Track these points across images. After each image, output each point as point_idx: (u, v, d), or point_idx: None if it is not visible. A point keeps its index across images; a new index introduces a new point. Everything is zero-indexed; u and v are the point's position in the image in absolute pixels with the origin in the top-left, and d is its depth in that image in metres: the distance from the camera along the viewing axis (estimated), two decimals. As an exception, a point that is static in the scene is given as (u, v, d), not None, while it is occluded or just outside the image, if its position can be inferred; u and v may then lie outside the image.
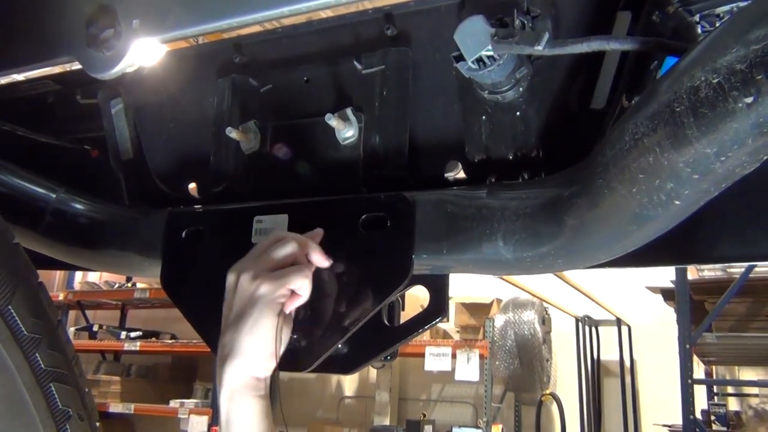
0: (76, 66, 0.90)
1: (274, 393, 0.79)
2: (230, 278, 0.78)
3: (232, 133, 1.00)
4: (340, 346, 0.86)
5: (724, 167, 0.59)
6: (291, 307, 0.77)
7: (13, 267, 0.82)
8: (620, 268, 0.91)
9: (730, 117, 0.55)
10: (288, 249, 0.78)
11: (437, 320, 0.88)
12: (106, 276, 7.05)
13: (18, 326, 0.79)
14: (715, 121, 0.56)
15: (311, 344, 0.84)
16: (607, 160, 0.69)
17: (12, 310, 0.79)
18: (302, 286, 0.76)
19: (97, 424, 0.89)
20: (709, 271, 5.06)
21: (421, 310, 0.91)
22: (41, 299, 0.85)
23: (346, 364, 0.91)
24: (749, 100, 0.53)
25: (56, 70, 1.20)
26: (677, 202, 0.65)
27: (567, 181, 0.79)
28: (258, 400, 0.74)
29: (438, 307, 0.89)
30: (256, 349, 0.73)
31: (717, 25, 0.81)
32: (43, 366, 0.81)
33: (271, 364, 0.75)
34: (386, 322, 0.93)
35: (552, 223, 0.78)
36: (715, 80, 0.55)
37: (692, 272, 4.65)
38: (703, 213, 0.71)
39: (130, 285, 6.76)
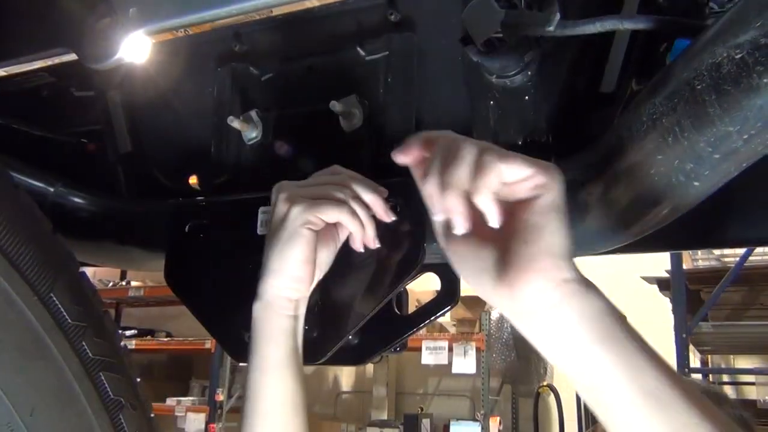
0: (72, 57, 0.88)
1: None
2: (272, 195, 0.77)
3: (234, 123, 0.98)
4: (350, 336, 0.85)
5: (747, 146, 0.57)
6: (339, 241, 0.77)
7: (53, 255, 0.81)
8: (632, 253, 0.90)
9: (755, 93, 0.53)
10: (332, 178, 0.77)
11: (449, 307, 0.88)
12: (100, 274, 7.00)
13: (62, 314, 0.78)
14: (738, 98, 0.54)
15: (323, 335, 0.83)
16: (622, 143, 0.68)
17: (54, 298, 0.77)
18: (343, 220, 0.74)
19: (152, 414, 0.87)
20: (704, 261, 5.07)
21: (417, 304, 0.90)
22: (84, 287, 0.83)
23: (357, 355, 0.89)
24: (774, 75, 0.52)
25: (51, 61, 1.18)
26: (696, 184, 0.63)
27: (579, 166, 0.78)
28: (286, 318, 0.73)
29: (450, 295, 0.88)
30: (283, 270, 0.72)
31: (727, 5, 0.80)
32: (90, 355, 0.79)
33: (302, 287, 0.73)
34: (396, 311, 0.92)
35: (564, 209, 0.77)
36: (738, 56, 0.54)
37: (687, 262, 4.65)
38: (713, 196, 0.70)
39: (124, 283, 6.70)
